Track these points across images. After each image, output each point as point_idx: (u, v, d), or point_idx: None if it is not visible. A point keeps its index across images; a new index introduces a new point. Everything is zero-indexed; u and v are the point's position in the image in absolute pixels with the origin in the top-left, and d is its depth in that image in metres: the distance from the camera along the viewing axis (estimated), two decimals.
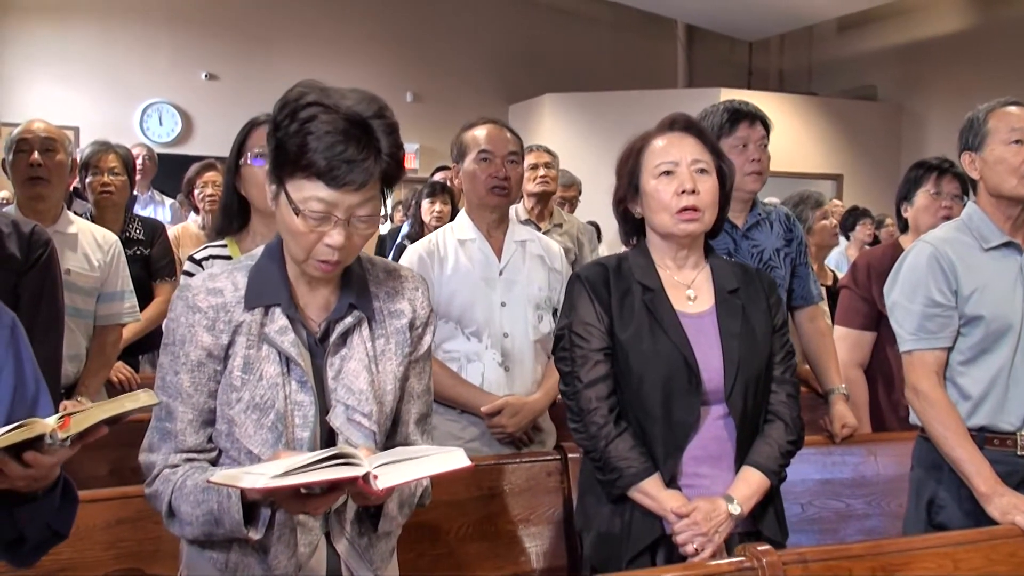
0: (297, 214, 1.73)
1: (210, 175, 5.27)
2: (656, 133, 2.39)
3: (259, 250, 1.91)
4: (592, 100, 11.72)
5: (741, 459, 2.30)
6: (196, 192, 5.29)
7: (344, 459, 1.56)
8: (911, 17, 12.20)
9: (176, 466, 1.81)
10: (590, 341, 2.30)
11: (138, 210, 5.24)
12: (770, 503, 2.33)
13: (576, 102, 11.82)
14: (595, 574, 2.32)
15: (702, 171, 2.31)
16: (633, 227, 2.46)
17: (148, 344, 4.21)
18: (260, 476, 1.54)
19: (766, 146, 3.24)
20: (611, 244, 8.45)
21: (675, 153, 2.32)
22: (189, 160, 9.57)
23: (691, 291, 2.36)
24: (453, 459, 1.63)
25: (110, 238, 3.59)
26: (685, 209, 2.28)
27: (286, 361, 1.80)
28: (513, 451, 3.00)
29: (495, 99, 12.56)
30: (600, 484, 2.30)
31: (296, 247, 1.78)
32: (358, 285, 1.88)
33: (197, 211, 5.38)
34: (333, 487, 1.63)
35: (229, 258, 2.58)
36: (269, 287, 1.83)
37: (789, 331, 2.48)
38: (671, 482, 2.26)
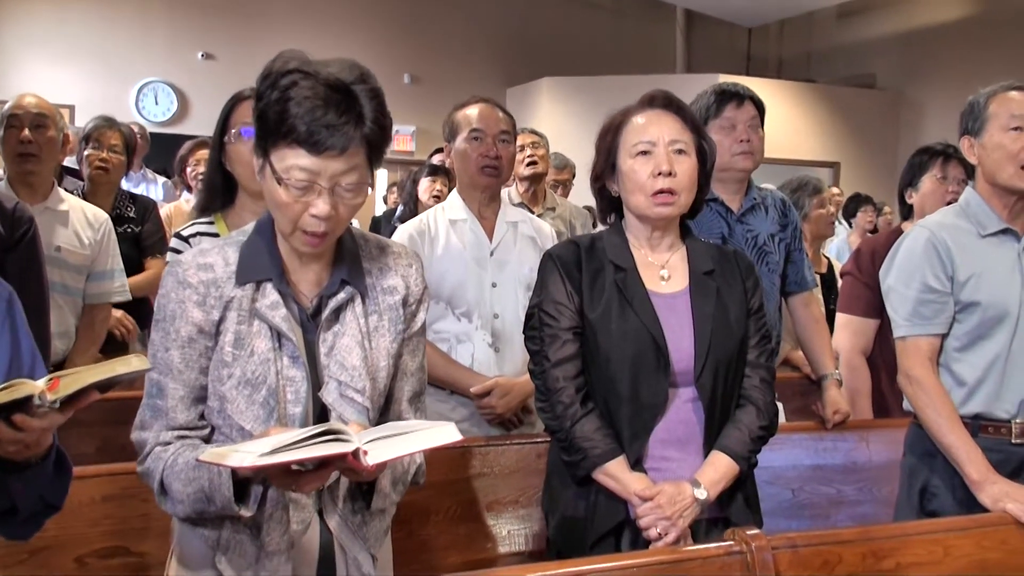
0: (280, 184, 1.71)
1: (203, 153, 5.21)
2: (636, 110, 2.35)
3: (250, 226, 1.89)
4: (590, 84, 11.68)
5: (710, 443, 2.26)
6: (189, 170, 5.25)
7: (333, 435, 1.54)
8: (911, 5, 12.16)
9: (168, 443, 1.79)
10: (559, 320, 2.27)
11: (130, 188, 5.19)
12: (740, 489, 2.30)
13: (574, 86, 11.78)
14: (560, 557, 2.29)
15: (680, 151, 2.27)
16: (610, 204, 2.42)
17: (138, 323, 4.18)
18: (248, 454, 1.52)
19: (758, 127, 3.20)
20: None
21: (653, 132, 2.27)
22: (184, 140, 9.54)
23: (665, 271, 2.33)
24: (443, 434, 1.61)
25: (101, 216, 3.56)
26: (660, 192, 2.24)
27: (278, 336, 1.78)
28: (502, 432, 2.98)
29: (493, 82, 12.51)
30: (565, 465, 2.28)
31: (282, 219, 1.76)
32: (350, 261, 1.86)
33: (190, 189, 5.35)
34: (323, 464, 1.61)
35: (216, 235, 2.55)
36: (260, 262, 1.81)
37: (767, 315, 2.44)
38: (637, 465, 2.22)
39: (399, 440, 1.60)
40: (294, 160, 1.69)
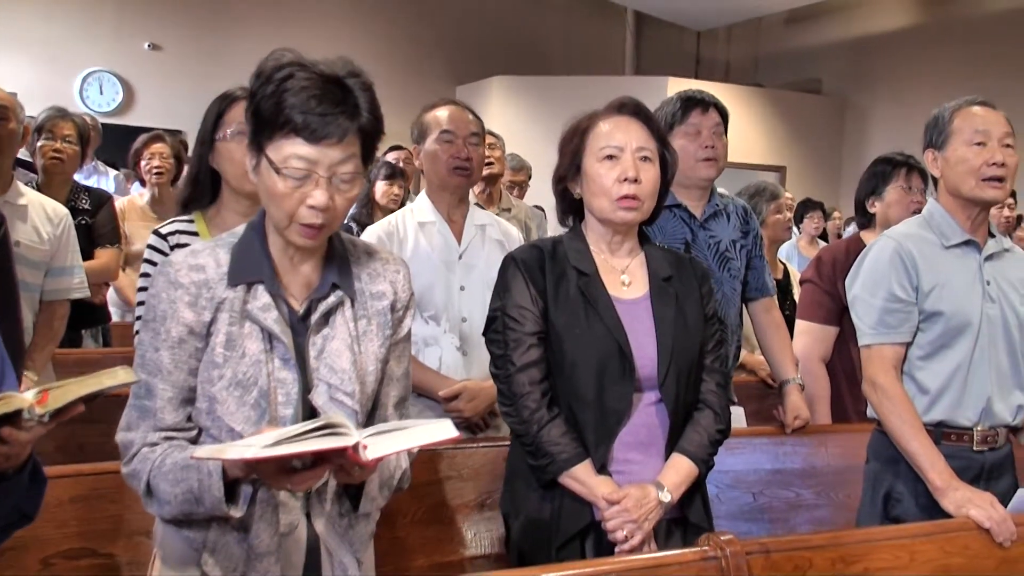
0: (278, 174, 1.72)
1: (157, 147, 5.16)
2: (603, 115, 2.37)
3: (241, 227, 1.89)
4: (540, 84, 11.73)
5: (671, 446, 2.30)
6: (143, 163, 5.17)
7: (332, 429, 1.55)
8: (858, 12, 12.37)
9: (155, 444, 1.78)
10: (524, 324, 2.29)
11: (80, 180, 5.11)
12: (697, 490, 2.34)
13: (524, 85, 11.82)
14: (522, 559, 2.31)
15: (645, 159, 2.30)
16: (570, 207, 2.44)
17: (92, 319, 4.13)
18: (249, 447, 1.52)
19: (722, 134, 3.24)
20: (556, 229, 8.48)
21: (620, 138, 2.30)
22: (130, 130, 9.43)
23: (625, 276, 2.36)
24: (440, 430, 1.62)
25: (60, 211, 3.51)
26: (625, 197, 2.27)
27: (269, 338, 1.79)
28: (469, 436, 2.98)
29: (442, 79, 12.51)
30: (531, 469, 2.29)
31: (278, 211, 1.76)
32: (340, 265, 1.88)
33: (143, 183, 5.27)
34: (319, 461, 1.62)
35: (196, 234, 2.56)
36: (252, 264, 1.81)
37: (723, 321, 2.48)
38: (602, 468, 2.25)
39: (397, 435, 1.61)
40: (292, 149, 1.71)
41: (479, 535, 2.78)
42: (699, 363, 2.35)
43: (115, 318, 4.98)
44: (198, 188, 2.59)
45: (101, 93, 11.23)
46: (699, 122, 3.18)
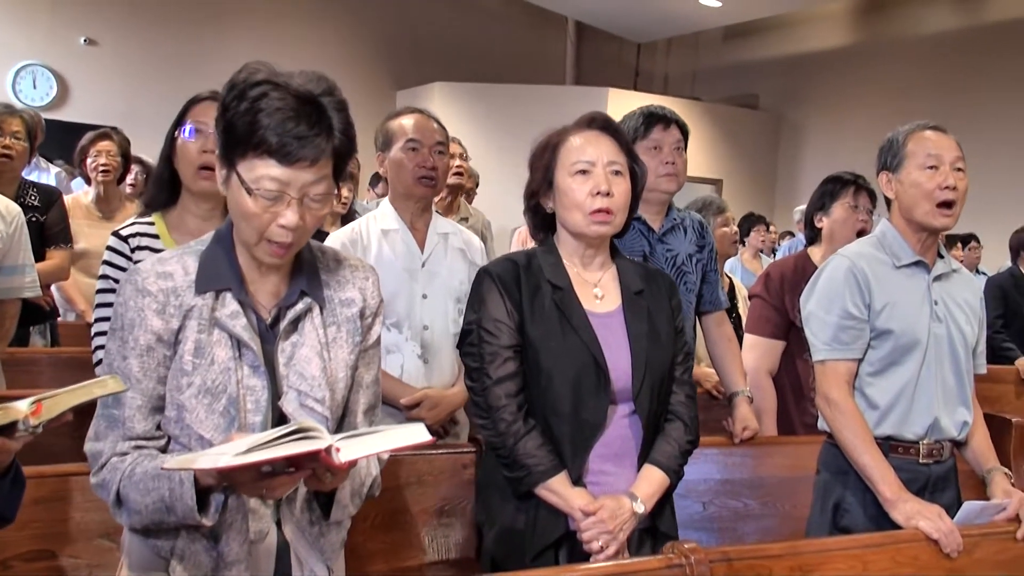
0: (250, 194, 1.72)
1: (104, 144, 5.07)
2: (573, 130, 2.41)
3: (209, 235, 1.89)
4: (482, 91, 11.75)
5: (644, 457, 2.35)
6: (89, 161, 5.10)
7: (304, 433, 1.56)
8: (794, 30, 12.60)
9: (125, 454, 1.77)
10: (499, 337, 2.31)
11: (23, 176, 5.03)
12: (667, 500, 2.39)
13: (466, 92, 11.83)
14: (495, 568, 2.34)
15: (617, 172, 2.35)
16: (543, 221, 2.48)
17: (40, 316, 4.07)
18: (222, 455, 1.52)
19: (682, 149, 3.30)
20: (496, 235, 8.52)
21: (592, 153, 2.34)
22: (63, 126, 9.28)
23: (598, 290, 2.40)
24: (414, 433, 1.63)
25: (13, 209, 3.45)
26: (598, 211, 2.31)
27: (238, 345, 1.79)
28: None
29: (382, 84, 12.48)
30: (506, 481, 2.32)
31: (249, 230, 1.76)
32: (309, 272, 1.88)
33: (88, 181, 5.20)
34: (294, 466, 1.62)
35: (156, 236, 2.56)
36: (220, 272, 1.81)
37: (687, 333, 2.54)
38: (577, 480, 2.28)
39: (369, 438, 1.62)
40: (264, 171, 1.70)
41: (438, 541, 2.80)
42: (670, 375, 2.40)
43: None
44: (159, 187, 2.60)
45: (35, 87, 11.00)
46: (661, 138, 3.23)
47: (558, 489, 2.25)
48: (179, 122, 2.56)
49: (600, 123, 2.42)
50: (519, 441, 2.27)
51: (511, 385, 2.30)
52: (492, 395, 2.30)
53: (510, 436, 2.27)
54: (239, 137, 1.71)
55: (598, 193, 2.31)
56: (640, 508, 2.27)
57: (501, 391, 2.30)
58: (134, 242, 2.51)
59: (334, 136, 1.74)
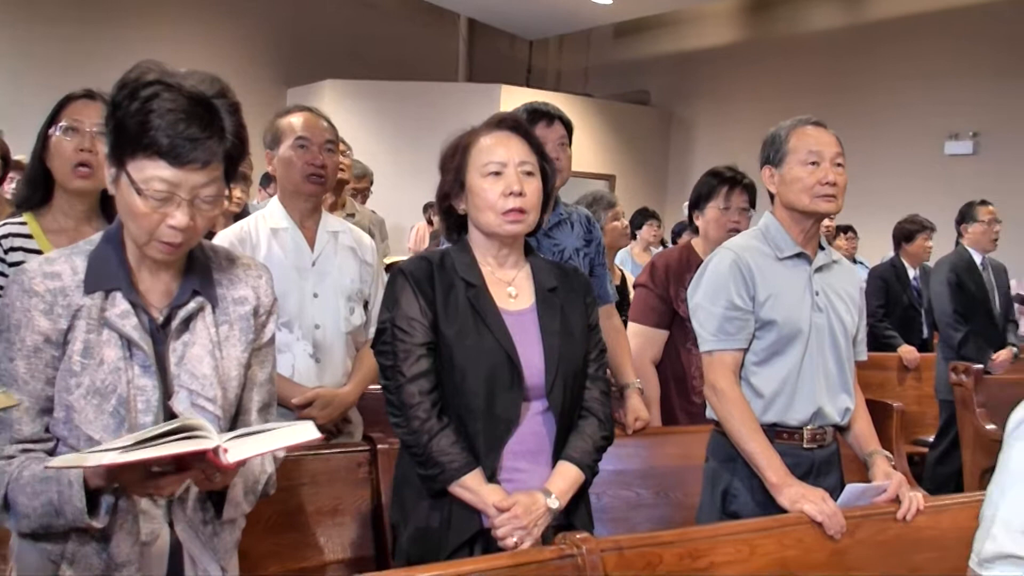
0: (139, 194, 1.70)
1: None
2: (483, 131, 2.42)
3: (98, 235, 1.87)
4: (374, 89, 11.70)
5: (558, 453, 2.36)
6: None
7: (190, 432, 1.55)
8: (684, 28, 12.82)
9: (12, 457, 1.75)
10: (413, 335, 2.31)
11: None
12: (581, 496, 2.41)
13: (358, 90, 11.76)
14: (411, 566, 2.34)
15: (528, 173, 2.36)
16: (455, 222, 2.49)
17: None
18: (107, 452, 1.51)
19: (566, 145, 3.34)
20: (391, 233, 8.51)
21: (503, 153, 2.35)
22: None
23: (512, 288, 2.41)
24: (302, 432, 1.64)
25: None
26: (512, 211, 2.32)
27: (128, 345, 1.77)
28: (323, 442, 2.98)
29: (272, 82, 12.33)
30: (420, 479, 2.32)
31: (138, 229, 1.75)
32: (201, 271, 1.87)
33: None
34: (182, 466, 1.61)
35: (29, 236, 2.53)
36: (109, 271, 1.80)
37: (601, 330, 2.57)
38: (491, 477, 2.29)
39: (258, 438, 1.62)
40: (154, 171, 1.69)
41: (333, 541, 2.79)
42: (583, 372, 2.42)
43: None
44: (32, 186, 2.57)
45: None
46: (544, 134, 3.23)
47: (472, 486, 2.26)
48: (53, 120, 2.52)
49: (510, 124, 2.43)
50: (433, 439, 2.27)
51: (425, 383, 2.30)
52: (406, 393, 2.30)
53: (424, 434, 2.27)
54: (129, 137, 1.69)
55: (511, 194, 2.32)
56: (554, 504, 2.28)
57: (415, 389, 2.29)
58: (7, 243, 2.48)
59: (226, 139, 1.74)
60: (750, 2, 12.30)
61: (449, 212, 2.47)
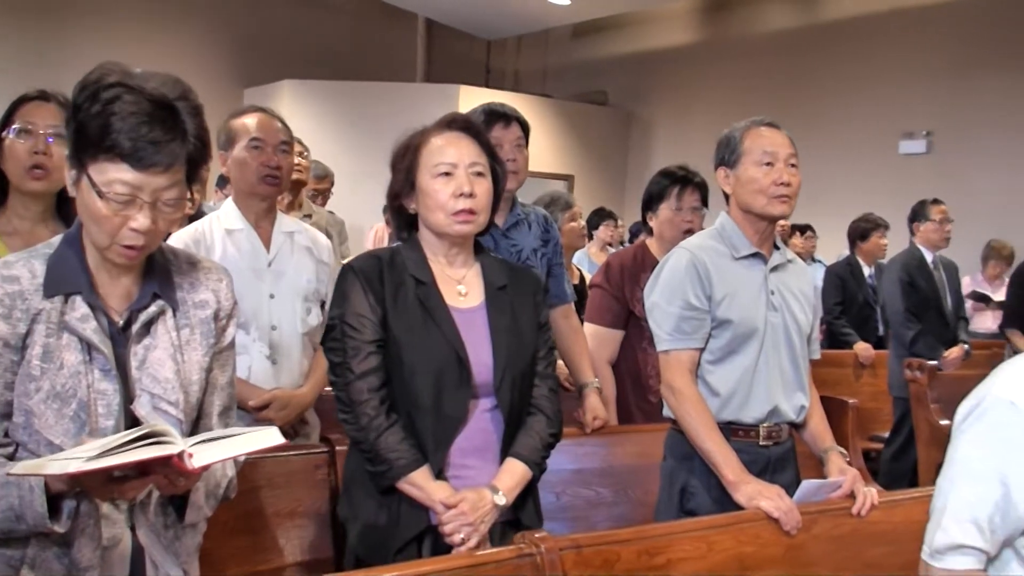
0: (101, 197, 1.70)
1: None
2: (434, 131, 2.43)
3: (57, 238, 1.86)
4: (332, 89, 11.63)
5: (505, 450, 2.38)
6: None
7: (156, 438, 1.55)
8: (642, 28, 12.86)
9: None
10: (363, 332, 2.32)
11: None
12: (529, 493, 2.43)
13: (315, 90, 11.69)
14: (360, 565, 2.34)
15: (479, 174, 2.38)
16: (406, 222, 2.49)
17: None
18: (72, 460, 1.50)
19: (523, 146, 3.35)
20: (350, 233, 8.48)
21: (453, 154, 2.37)
22: None
23: (462, 287, 2.42)
24: (266, 437, 1.65)
25: None
26: (462, 211, 2.34)
27: (88, 349, 1.76)
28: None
29: (229, 82, 12.21)
30: (369, 475, 2.33)
31: (99, 232, 1.74)
32: (161, 275, 1.87)
33: None
34: (145, 470, 1.60)
35: None
36: (69, 275, 1.78)
37: (551, 328, 2.58)
38: (439, 474, 2.31)
39: (222, 443, 1.62)
40: (116, 174, 1.69)
41: (292, 542, 2.78)
42: (532, 369, 2.44)
43: None
44: None
45: None
46: (501, 136, 3.25)
47: (420, 483, 2.27)
48: (6, 122, 2.49)
49: (460, 124, 2.44)
50: (381, 435, 2.28)
51: (374, 379, 2.31)
52: (354, 389, 2.31)
53: (372, 430, 2.28)
54: (91, 139, 1.69)
55: (461, 194, 2.33)
56: (501, 500, 2.30)
57: (364, 385, 2.30)
58: None
59: (188, 141, 1.74)
60: (707, 3, 12.36)
61: (400, 211, 2.47)
